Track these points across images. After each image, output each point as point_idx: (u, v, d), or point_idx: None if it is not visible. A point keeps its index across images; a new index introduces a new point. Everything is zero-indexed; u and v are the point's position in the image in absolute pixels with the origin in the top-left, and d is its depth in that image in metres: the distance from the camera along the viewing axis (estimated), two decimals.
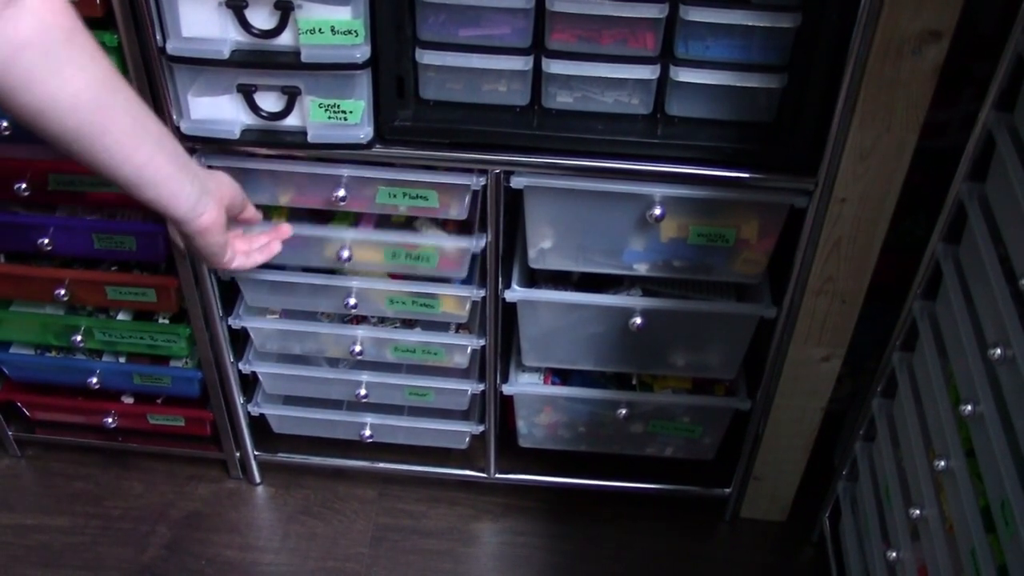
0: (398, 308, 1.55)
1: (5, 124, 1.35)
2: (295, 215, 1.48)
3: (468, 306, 1.54)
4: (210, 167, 1.36)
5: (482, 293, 1.50)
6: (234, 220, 1.19)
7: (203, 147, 1.35)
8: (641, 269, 1.46)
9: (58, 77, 0.86)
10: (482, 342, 1.57)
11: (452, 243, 1.46)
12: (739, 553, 1.77)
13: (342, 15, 1.20)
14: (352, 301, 1.52)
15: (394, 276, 1.53)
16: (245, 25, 1.21)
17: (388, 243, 1.46)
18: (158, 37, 1.23)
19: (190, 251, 1.14)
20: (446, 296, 1.52)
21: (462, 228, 1.49)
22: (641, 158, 1.32)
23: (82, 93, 0.88)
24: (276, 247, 1.28)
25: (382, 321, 1.63)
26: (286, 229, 1.32)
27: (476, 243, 1.44)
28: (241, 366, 1.65)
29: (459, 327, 1.62)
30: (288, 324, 1.60)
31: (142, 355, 1.68)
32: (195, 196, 1.03)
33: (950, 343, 1.24)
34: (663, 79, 1.28)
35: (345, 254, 1.45)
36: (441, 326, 1.61)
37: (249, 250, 1.22)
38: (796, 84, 1.25)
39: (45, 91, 0.87)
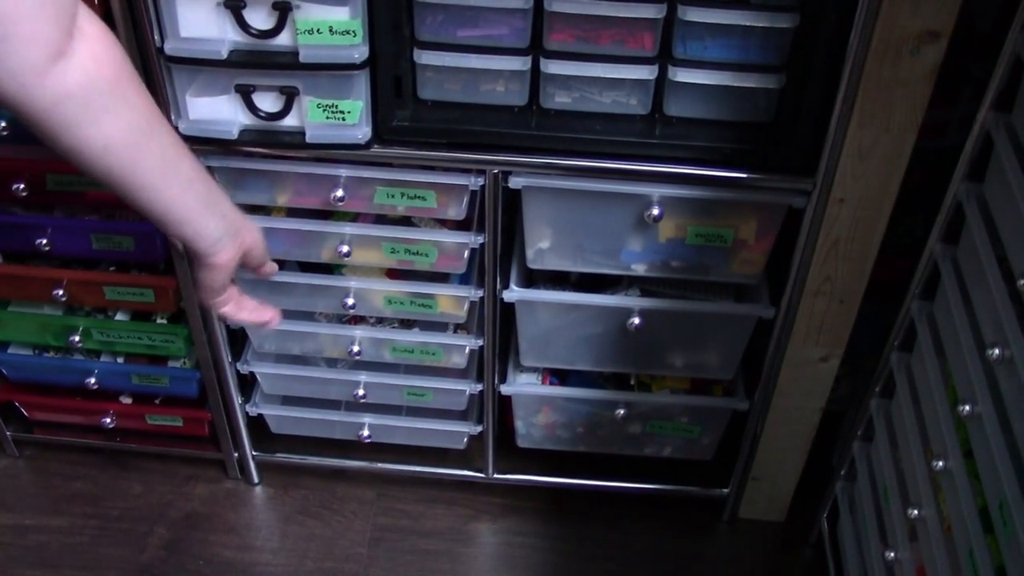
0: (396, 308, 1.55)
1: (4, 124, 1.35)
2: (295, 211, 1.48)
3: (466, 306, 1.53)
4: (208, 168, 1.37)
5: (480, 293, 1.50)
6: (250, 270, 1.21)
7: (201, 148, 1.35)
8: (639, 269, 1.46)
9: (94, 127, 0.87)
10: (480, 342, 1.57)
11: (451, 238, 1.46)
12: (737, 553, 1.77)
13: (340, 15, 1.20)
14: (350, 301, 1.52)
15: (392, 275, 1.53)
16: (243, 25, 1.21)
17: (387, 238, 1.46)
18: (156, 37, 1.23)
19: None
20: (444, 296, 1.52)
21: (460, 227, 1.49)
22: (639, 158, 1.32)
23: (115, 138, 0.89)
24: (267, 315, 1.26)
25: (380, 321, 1.63)
26: (277, 313, 1.28)
27: (474, 239, 1.44)
28: (239, 366, 1.65)
29: (457, 327, 1.62)
30: (286, 324, 1.59)
31: (140, 355, 1.68)
32: (218, 235, 1.06)
33: (948, 343, 1.24)
34: (661, 79, 1.28)
35: (344, 249, 1.45)
36: (439, 326, 1.61)
37: (241, 305, 1.22)
38: (794, 84, 1.25)
39: (79, 136, 0.87)
